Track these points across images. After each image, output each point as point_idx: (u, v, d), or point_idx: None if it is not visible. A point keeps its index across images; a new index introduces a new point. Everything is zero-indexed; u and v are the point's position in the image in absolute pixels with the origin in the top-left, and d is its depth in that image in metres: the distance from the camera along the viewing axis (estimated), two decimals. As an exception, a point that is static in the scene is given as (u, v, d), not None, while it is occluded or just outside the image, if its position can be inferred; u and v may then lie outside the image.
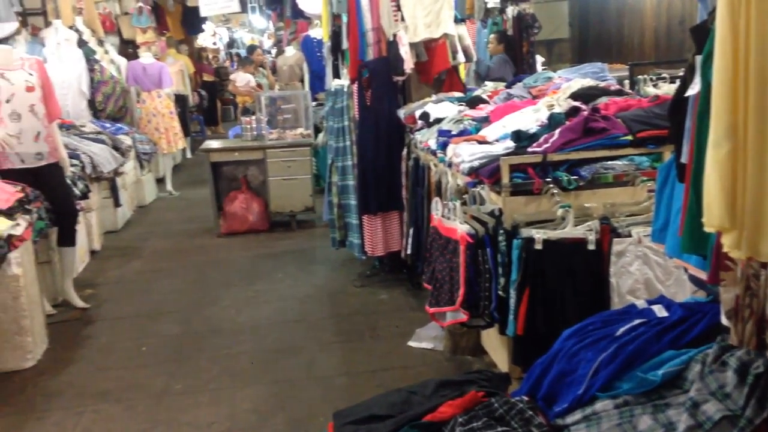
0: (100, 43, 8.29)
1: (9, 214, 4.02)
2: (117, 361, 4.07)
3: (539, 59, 6.94)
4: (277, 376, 3.77)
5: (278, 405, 3.45)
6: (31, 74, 4.56)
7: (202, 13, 9.11)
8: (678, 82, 1.82)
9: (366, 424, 2.11)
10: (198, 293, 5.18)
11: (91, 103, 7.64)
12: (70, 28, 7.42)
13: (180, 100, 10.07)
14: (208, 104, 13.43)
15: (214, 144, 7.12)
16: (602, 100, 3.57)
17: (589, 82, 3.97)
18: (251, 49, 13.28)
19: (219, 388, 3.67)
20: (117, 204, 6.97)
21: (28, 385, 3.82)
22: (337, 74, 5.88)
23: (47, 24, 7.39)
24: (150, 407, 3.50)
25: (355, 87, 4.94)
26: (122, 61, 8.61)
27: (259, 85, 9.86)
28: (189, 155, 11.16)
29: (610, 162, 3.14)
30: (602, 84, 3.99)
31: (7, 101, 4.44)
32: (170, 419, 3.37)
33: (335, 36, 5.75)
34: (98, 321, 4.71)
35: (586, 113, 3.26)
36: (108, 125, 7.48)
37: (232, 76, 11.20)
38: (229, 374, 3.82)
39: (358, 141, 4.99)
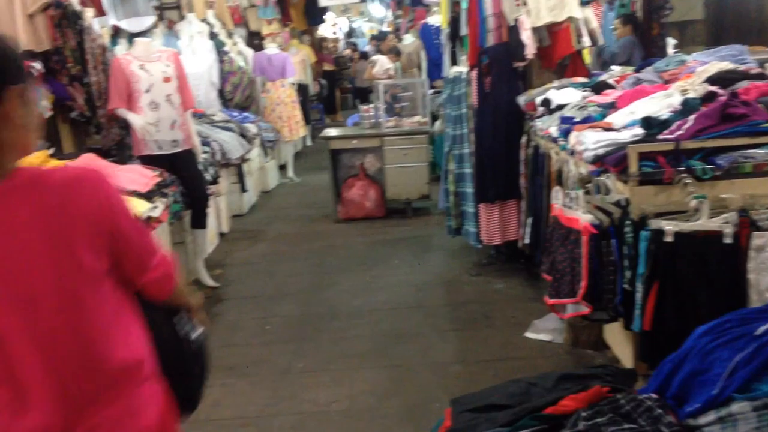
0: (230, 35, 8.68)
1: (148, 197, 4.31)
2: (243, 338, 4.28)
3: (671, 42, 6.55)
4: (394, 360, 3.84)
5: (394, 389, 3.51)
6: (168, 66, 4.85)
7: (322, 2, 9.29)
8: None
9: (485, 413, 2.11)
10: (317, 276, 5.35)
11: (221, 93, 8.02)
12: (203, 21, 7.81)
13: (301, 89, 10.38)
14: (328, 93, 13.75)
15: (333, 132, 7.29)
16: (742, 85, 3.33)
17: (726, 65, 3.71)
18: (382, 35, 13.20)
19: (338, 369, 3.78)
20: (243, 189, 7.30)
21: (164, 356, 4.09)
22: (454, 61, 5.84)
23: (181, 17, 7.82)
24: (274, 383, 3.66)
25: (474, 74, 4.89)
26: (249, 53, 8.97)
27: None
28: (309, 143, 11.51)
29: (750, 150, 2.92)
30: (742, 67, 3.72)
31: (147, 91, 4.74)
32: (292, 395, 3.52)
33: (454, 22, 5.70)
34: (226, 299, 4.97)
35: (724, 98, 3.06)
36: (235, 114, 7.84)
37: (373, 58, 11.13)
38: (348, 356, 3.92)
39: (476, 128, 4.95)
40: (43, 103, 4.37)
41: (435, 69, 8.99)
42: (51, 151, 4.42)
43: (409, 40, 10.44)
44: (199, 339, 1.73)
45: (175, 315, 1.68)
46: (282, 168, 9.36)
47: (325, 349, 4.04)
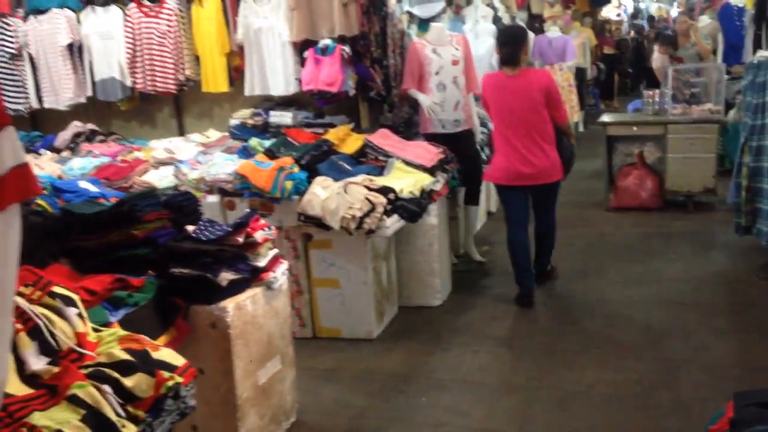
0: (512, 18, 8.81)
1: (431, 171, 4.64)
2: (508, 312, 4.44)
3: None
4: (663, 354, 3.71)
5: (662, 382, 3.41)
6: (456, 49, 5.13)
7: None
8: None
9: (773, 413, 2.00)
10: (585, 263, 5.31)
11: (498, 76, 8.19)
12: (488, 5, 8.04)
13: (579, 72, 10.15)
14: (605, 77, 13.25)
15: (611, 118, 7.07)
16: None
17: None
18: (650, 20, 12.42)
19: (603, 354, 3.76)
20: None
21: (435, 320, 4.42)
22: (758, 45, 5.32)
23: (468, 2, 8.13)
24: (537, 359, 3.77)
25: (784, 58, 4.43)
26: (530, 35, 9.02)
27: (679, 59, 9.22)
28: (581, 128, 11.23)
29: None
30: None
31: (436, 73, 5.07)
32: (555, 372, 3.60)
33: (762, 3, 5.22)
34: (492, 275, 5.17)
35: None
36: (511, 97, 7.96)
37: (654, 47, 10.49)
38: (613, 343, 3.88)
39: (781, 118, 4.48)
40: (349, 83, 4.92)
41: (733, 53, 8.21)
42: (352, 125, 4.99)
43: (705, 21, 9.62)
44: (571, 147, 4.60)
45: (564, 135, 4.53)
46: (553, 152, 9.28)
47: (591, 334, 4.03)
